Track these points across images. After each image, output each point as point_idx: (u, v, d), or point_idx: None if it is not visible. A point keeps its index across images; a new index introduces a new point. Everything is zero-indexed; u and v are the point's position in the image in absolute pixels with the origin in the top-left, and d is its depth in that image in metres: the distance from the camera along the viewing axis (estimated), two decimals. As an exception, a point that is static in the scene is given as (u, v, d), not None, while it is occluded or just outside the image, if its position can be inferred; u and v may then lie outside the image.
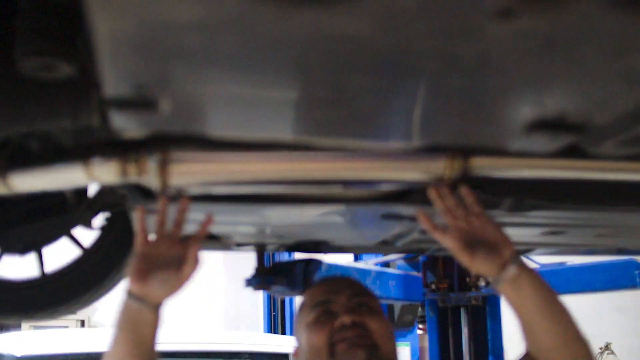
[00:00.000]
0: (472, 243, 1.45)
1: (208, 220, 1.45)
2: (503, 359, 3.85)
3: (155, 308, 1.47)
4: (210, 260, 11.77)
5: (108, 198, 2.01)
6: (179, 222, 1.43)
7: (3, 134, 1.23)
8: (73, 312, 2.29)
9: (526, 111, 0.97)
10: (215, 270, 12.00)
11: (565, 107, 0.95)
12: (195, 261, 1.46)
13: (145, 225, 1.43)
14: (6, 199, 2.10)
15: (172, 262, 1.45)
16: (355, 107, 0.97)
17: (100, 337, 6.91)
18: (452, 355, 3.89)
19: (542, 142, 1.09)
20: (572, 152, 1.18)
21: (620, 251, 2.70)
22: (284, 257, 2.59)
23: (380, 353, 1.72)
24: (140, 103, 0.92)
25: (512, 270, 1.43)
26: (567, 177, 1.36)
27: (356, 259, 4.18)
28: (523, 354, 1.56)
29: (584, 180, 1.41)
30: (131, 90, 0.89)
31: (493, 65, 0.82)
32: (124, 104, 0.93)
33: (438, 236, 1.47)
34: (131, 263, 1.45)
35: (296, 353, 1.87)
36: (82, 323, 10.59)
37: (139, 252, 1.44)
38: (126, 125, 1.02)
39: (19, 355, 5.84)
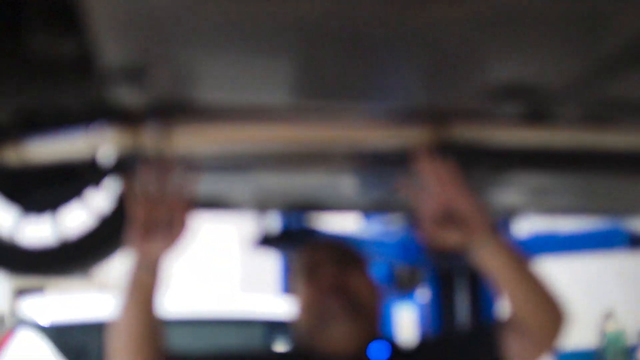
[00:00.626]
0: (446, 214, 1.51)
1: (192, 183, 1.54)
2: (499, 320, 3.96)
3: (154, 269, 1.56)
4: (225, 223, 11.87)
5: (117, 162, 2.12)
6: (166, 185, 1.48)
7: (15, 105, 1.34)
8: (87, 270, 2.41)
9: (484, 78, 1.06)
10: (230, 233, 12.15)
11: (519, 74, 1.04)
12: (183, 222, 1.53)
13: (139, 190, 1.48)
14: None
15: (166, 223, 1.51)
16: (331, 73, 1.07)
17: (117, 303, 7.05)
18: (450, 318, 4.00)
19: (506, 105, 1.18)
20: (537, 116, 1.28)
21: (607, 213, 2.79)
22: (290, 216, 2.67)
23: (361, 310, 1.83)
24: (132, 73, 1.02)
25: (483, 241, 1.50)
26: (541, 143, 1.44)
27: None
28: (508, 317, 1.64)
29: (562, 145, 1.50)
30: (124, 62, 0.99)
31: (445, 36, 0.91)
32: (118, 75, 1.03)
33: (415, 202, 1.54)
34: (130, 228, 1.52)
35: (294, 314, 2.01)
36: (104, 289, 10.82)
37: (136, 216, 1.50)
38: (123, 93, 1.12)
39: (42, 323, 5.98)
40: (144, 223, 1.50)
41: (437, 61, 1.03)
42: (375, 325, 1.88)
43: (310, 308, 1.87)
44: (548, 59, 1.00)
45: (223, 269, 11.91)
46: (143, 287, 1.58)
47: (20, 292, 9.87)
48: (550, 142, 1.44)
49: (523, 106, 1.21)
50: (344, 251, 1.96)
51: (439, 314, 4.03)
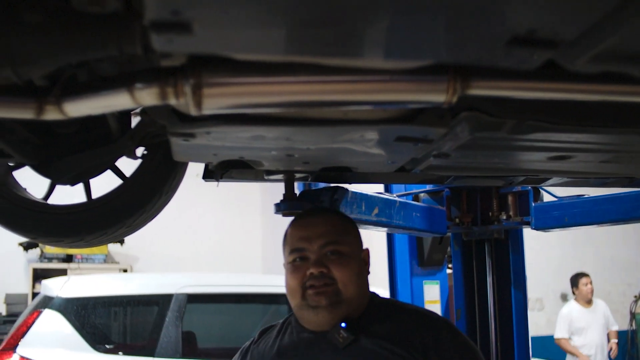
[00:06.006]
0: None
1: None
2: (525, 292, 3.99)
3: None
4: (248, 207, 12.02)
5: (149, 129, 2.19)
6: None
7: (60, 63, 1.40)
8: (120, 237, 2.49)
9: (499, 28, 1.10)
10: (252, 217, 12.25)
11: (533, 23, 1.08)
12: None
13: None
14: (57, 133, 2.29)
15: None
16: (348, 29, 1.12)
17: (140, 281, 7.20)
18: (475, 288, 4.04)
19: (522, 58, 1.22)
20: (552, 70, 1.32)
21: (631, 182, 2.80)
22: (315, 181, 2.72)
23: (341, 297, 2.12)
24: (176, 26, 1.07)
25: None
26: (561, 98, 1.47)
27: (386, 189, 4.29)
28: None
29: (583, 102, 1.53)
30: (168, 15, 1.04)
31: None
32: (162, 28, 1.08)
33: None
34: None
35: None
36: (125, 271, 10.97)
37: None
38: (165, 47, 1.17)
39: (65, 296, 6.13)
40: None
41: (455, 12, 1.06)
42: (352, 305, 2.16)
43: (295, 296, 2.16)
44: (560, 7, 1.03)
45: (245, 250, 12.02)
46: None
47: (43, 273, 10.03)
48: (570, 99, 1.48)
49: (539, 59, 1.24)
50: (329, 238, 2.20)
51: (463, 286, 4.07)
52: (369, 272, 2.30)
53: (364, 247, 2.33)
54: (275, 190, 2.86)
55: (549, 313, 11.33)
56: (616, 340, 9.57)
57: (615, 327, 9.47)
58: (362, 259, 2.28)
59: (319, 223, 2.23)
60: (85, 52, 1.38)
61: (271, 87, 1.38)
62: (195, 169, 2.71)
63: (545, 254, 10.79)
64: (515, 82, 1.41)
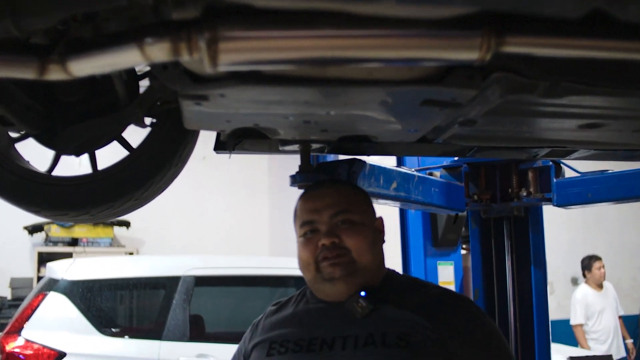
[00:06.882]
0: None
1: None
2: (545, 270, 3.90)
3: None
4: (255, 190, 11.99)
5: (158, 95, 2.09)
6: None
7: (65, 13, 1.31)
8: (127, 211, 2.40)
9: None
10: (260, 200, 12.21)
11: None
12: None
13: None
14: (62, 101, 2.20)
15: None
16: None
17: (147, 264, 7.15)
18: (494, 267, 3.95)
19: (568, 4, 1.12)
20: (600, 21, 1.22)
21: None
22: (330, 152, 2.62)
23: (357, 267, 2.05)
24: None
25: None
26: (602, 57, 1.37)
27: (399, 164, 4.20)
28: None
29: (621, 62, 1.43)
30: None
31: None
32: None
33: None
34: None
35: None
36: (131, 255, 10.92)
37: None
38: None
39: (70, 279, 6.08)
40: None
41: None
42: (368, 275, 2.09)
43: (309, 270, 2.11)
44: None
45: (253, 232, 11.98)
46: None
47: (48, 257, 9.96)
48: (612, 57, 1.38)
49: (586, 6, 1.14)
50: (339, 207, 2.12)
51: (482, 264, 3.98)
52: (384, 241, 2.21)
53: (377, 216, 2.24)
54: (283, 173, 2.77)
55: (559, 297, 11.25)
56: (632, 340, 9.59)
57: (621, 312, 9.45)
58: (376, 227, 2.19)
59: (327, 194, 2.15)
60: (95, 2, 1.28)
61: (292, 42, 1.29)
62: (201, 152, 2.63)
63: (555, 237, 10.71)
64: (554, 38, 1.31)
